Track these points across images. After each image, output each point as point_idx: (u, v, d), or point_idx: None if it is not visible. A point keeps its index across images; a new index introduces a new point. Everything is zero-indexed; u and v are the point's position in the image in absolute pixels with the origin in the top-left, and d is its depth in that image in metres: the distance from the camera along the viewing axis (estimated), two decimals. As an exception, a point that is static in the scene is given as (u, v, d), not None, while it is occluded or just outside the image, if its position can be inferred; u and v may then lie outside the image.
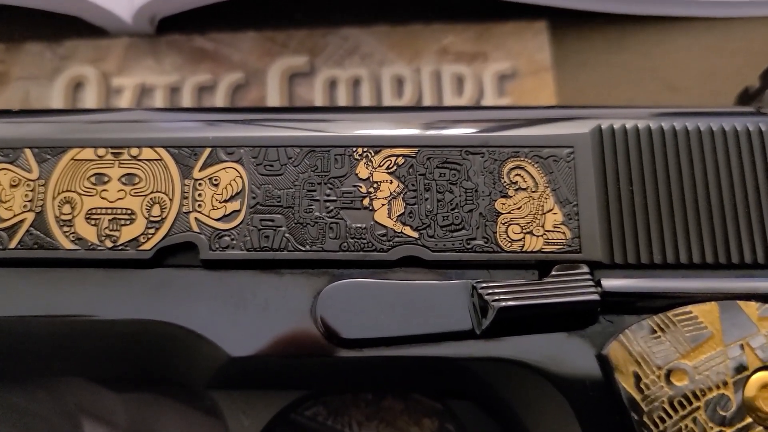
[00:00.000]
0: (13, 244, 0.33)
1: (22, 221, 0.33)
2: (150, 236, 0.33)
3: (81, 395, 0.39)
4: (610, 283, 0.32)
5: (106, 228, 0.33)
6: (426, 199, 0.33)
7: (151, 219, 0.33)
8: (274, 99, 0.46)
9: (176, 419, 0.39)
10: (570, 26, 0.47)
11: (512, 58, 0.46)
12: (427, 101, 0.46)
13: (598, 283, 0.31)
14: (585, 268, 0.32)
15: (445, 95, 0.46)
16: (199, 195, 0.33)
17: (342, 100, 0.46)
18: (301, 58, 0.47)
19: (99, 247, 0.32)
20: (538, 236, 0.32)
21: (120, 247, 0.32)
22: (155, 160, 0.34)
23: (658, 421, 0.30)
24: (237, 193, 0.33)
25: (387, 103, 0.46)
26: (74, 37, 0.48)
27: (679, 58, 0.46)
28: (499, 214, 0.33)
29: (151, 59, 0.47)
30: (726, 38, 0.47)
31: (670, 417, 0.30)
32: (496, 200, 0.33)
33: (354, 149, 0.34)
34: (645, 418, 0.30)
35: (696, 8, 0.46)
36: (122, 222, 0.33)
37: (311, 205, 0.33)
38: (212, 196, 0.33)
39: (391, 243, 0.32)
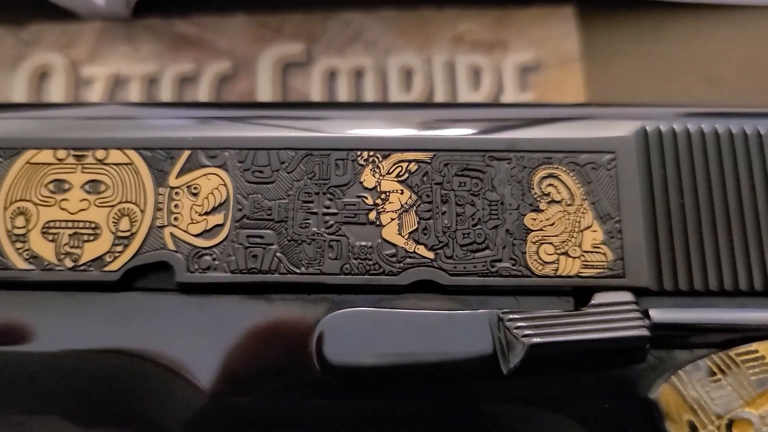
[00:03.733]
0: (-43, 263, 0.30)
1: (-32, 236, 0.30)
2: (117, 255, 0.30)
3: (43, 430, 0.35)
4: (660, 314, 0.28)
5: (66, 244, 0.30)
6: (443, 213, 0.30)
7: (119, 234, 0.30)
8: (265, 92, 0.44)
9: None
10: (600, 12, 0.45)
11: (535, 47, 0.44)
12: (440, 95, 0.44)
13: (645, 314, 0.28)
14: (630, 296, 0.29)
15: (459, 89, 0.44)
16: (176, 206, 0.30)
17: (343, 93, 0.44)
18: (296, 45, 0.45)
19: (58, 267, 0.30)
20: (574, 258, 0.29)
21: (82, 267, 0.30)
22: (124, 164, 0.31)
23: (718, 480, 0.27)
24: (220, 205, 0.30)
25: (394, 98, 0.44)
26: (40, 21, 0.46)
27: (720, 49, 0.44)
28: (529, 231, 0.30)
29: (126, 46, 0.45)
30: (773, 27, 0.44)
31: (733, 475, 0.27)
32: (525, 215, 0.30)
33: (358, 153, 0.31)
34: (701, 476, 0.27)
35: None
36: (85, 237, 0.30)
37: (307, 219, 0.30)
38: (191, 208, 0.30)
39: (401, 265, 0.29)
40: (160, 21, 0.45)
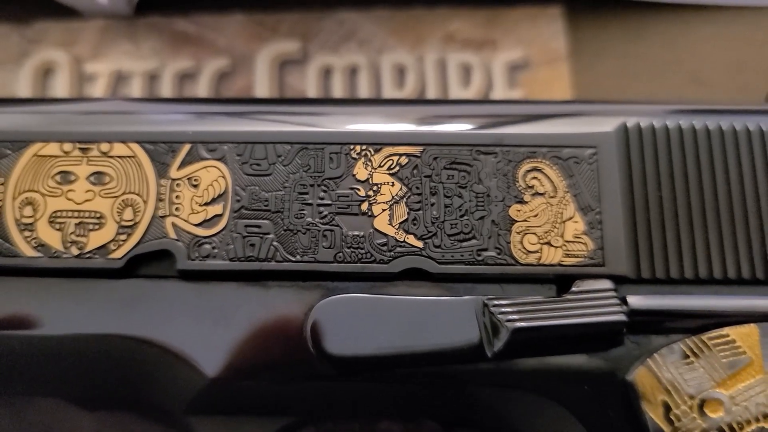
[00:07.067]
0: (-33, 251, 0.30)
1: (-23, 225, 0.30)
2: (121, 243, 0.30)
3: (48, 414, 0.36)
4: (637, 300, 0.29)
5: (72, 233, 0.30)
6: (432, 205, 0.30)
7: (123, 224, 0.30)
8: (262, 88, 0.43)
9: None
10: (587, 12, 0.44)
11: (524, 46, 0.44)
12: (431, 92, 0.43)
13: (623, 301, 0.29)
14: (609, 284, 0.29)
15: (450, 86, 0.43)
16: (177, 197, 0.30)
17: (337, 90, 0.43)
18: (292, 43, 0.45)
19: (64, 255, 0.30)
20: (556, 247, 0.30)
21: (87, 255, 0.30)
22: (128, 156, 0.31)
23: (690, 457, 0.27)
24: (219, 196, 0.30)
25: (387, 94, 0.43)
26: (44, 19, 0.45)
27: (705, 49, 0.44)
28: (513, 222, 0.30)
29: (128, 43, 0.44)
30: (755, 28, 0.44)
31: (704, 452, 0.27)
32: (510, 206, 0.30)
33: (351, 147, 0.31)
34: (675, 453, 0.27)
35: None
36: (90, 227, 0.30)
37: (303, 210, 0.30)
38: (191, 199, 0.30)
39: (392, 253, 0.30)
40: (160, 19, 0.45)
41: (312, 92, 0.43)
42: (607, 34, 0.44)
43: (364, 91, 0.43)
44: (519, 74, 0.44)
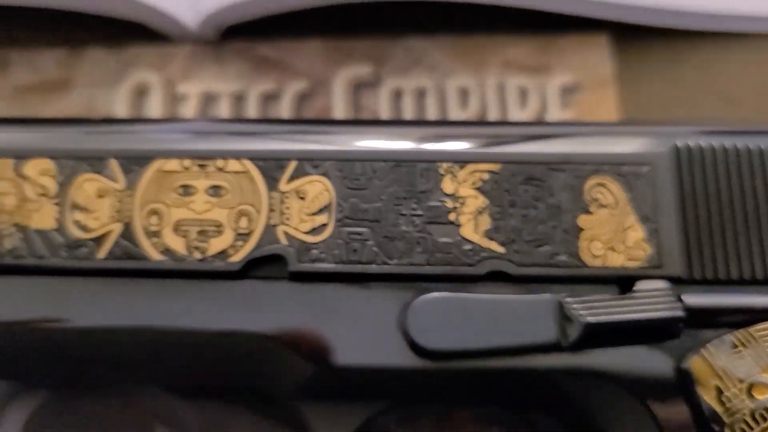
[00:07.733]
0: (101, 255, 0.33)
1: (110, 232, 0.33)
2: (238, 248, 0.33)
3: (155, 403, 0.39)
4: (691, 299, 0.32)
5: (194, 239, 0.33)
6: (511, 215, 0.34)
7: (239, 231, 0.33)
8: (339, 109, 0.46)
9: (250, 430, 0.39)
10: (632, 40, 0.48)
11: (574, 71, 0.47)
12: (492, 114, 0.46)
13: (679, 299, 0.32)
14: (666, 284, 0.33)
15: (509, 108, 0.46)
16: (287, 208, 0.34)
17: (407, 111, 0.46)
18: (366, 67, 0.47)
19: (188, 259, 0.33)
20: (619, 252, 0.33)
21: (209, 259, 0.33)
22: (241, 172, 0.34)
23: (739, 432, 0.31)
24: (324, 207, 0.34)
25: (452, 116, 0.46)
26: (137, 44, 0.48)
27: (737, 72, 0.47)
28: (581, 230, 0.33)
29: (215, 66, 0.47)
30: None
31: (752, 429, 0.31)
32: (578, 216, 0.34)
33: (439, 164, 0.34)
34: (726, 430, 0.31)
35: (752, 24, 0.47)
36: (210, 234, 0.33)
37: (398, 219, 0.33)
38: (299, 209, 0.34)
39: (477, 258, 0.33)
40: (245, 44, 0.47)
41: (384, 113, 0.46)
42: (650, 59, 0.47)
43: (431, 112, 0.46)
44: (570, 97, 0.46)
